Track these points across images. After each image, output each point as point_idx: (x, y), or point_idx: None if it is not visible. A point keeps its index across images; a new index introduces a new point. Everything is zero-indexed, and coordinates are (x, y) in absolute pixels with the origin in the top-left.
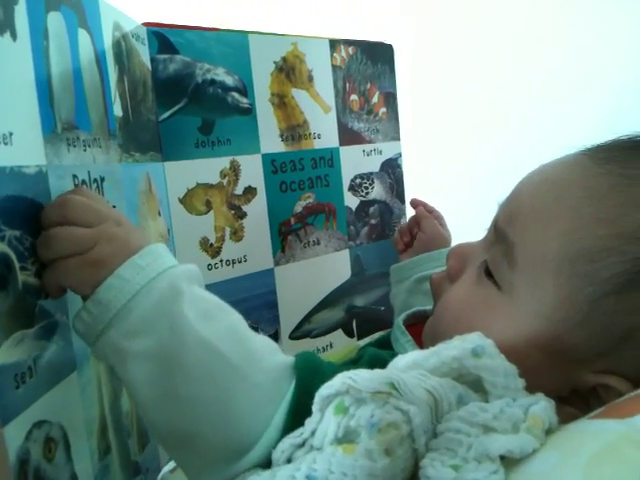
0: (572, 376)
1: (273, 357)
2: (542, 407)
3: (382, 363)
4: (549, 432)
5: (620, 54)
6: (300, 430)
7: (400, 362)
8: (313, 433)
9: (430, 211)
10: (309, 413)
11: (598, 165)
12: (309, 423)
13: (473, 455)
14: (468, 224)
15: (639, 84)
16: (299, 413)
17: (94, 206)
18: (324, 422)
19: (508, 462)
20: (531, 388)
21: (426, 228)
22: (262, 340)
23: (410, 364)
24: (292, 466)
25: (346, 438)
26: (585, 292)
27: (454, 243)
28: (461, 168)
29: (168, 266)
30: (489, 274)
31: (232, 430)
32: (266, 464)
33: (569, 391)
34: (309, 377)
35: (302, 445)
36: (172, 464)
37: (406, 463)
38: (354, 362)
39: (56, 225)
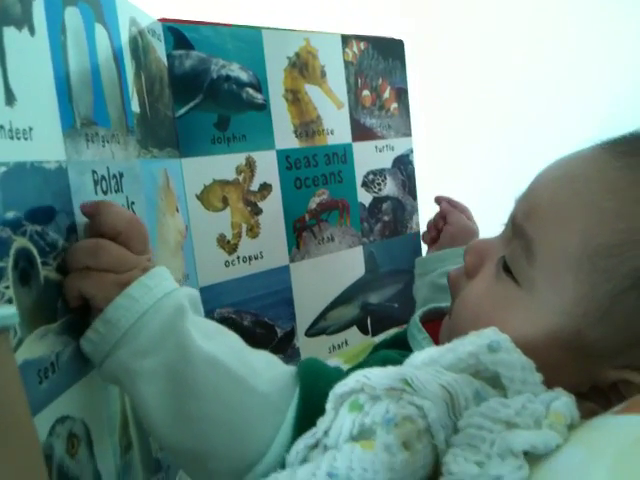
0: (592, 372)
1: (276, 368)
2: (564, 403)
3: (393, 363)
4: (571, 428)
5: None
6: (313, 430)
7: (416, 359)
8: (326, 432)
9: (455, 205)
10: (316, 417)
11: (616, 159)
12: (322, 422)
13: (496, 451)
14: (481, 219)
15: None
16: (306, 417)
17: (146, 238)
18: (338, 420)
19: (532, 458)
20: (551, 384)
21: (452, 221)
22: (263, 354)
23: (426, 361)
24: (312, 465)
25: (361, 436)
26: (605, 287)
27: None
28: (472, 164)
29: (173, 288)
30: (507, 270)
31: (243, 443)
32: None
33: (589, 387)
34: (313, 381)
35: (316, 446)
36: None
37: (426, 459)
38: (363, 365)
39: (108, 238)
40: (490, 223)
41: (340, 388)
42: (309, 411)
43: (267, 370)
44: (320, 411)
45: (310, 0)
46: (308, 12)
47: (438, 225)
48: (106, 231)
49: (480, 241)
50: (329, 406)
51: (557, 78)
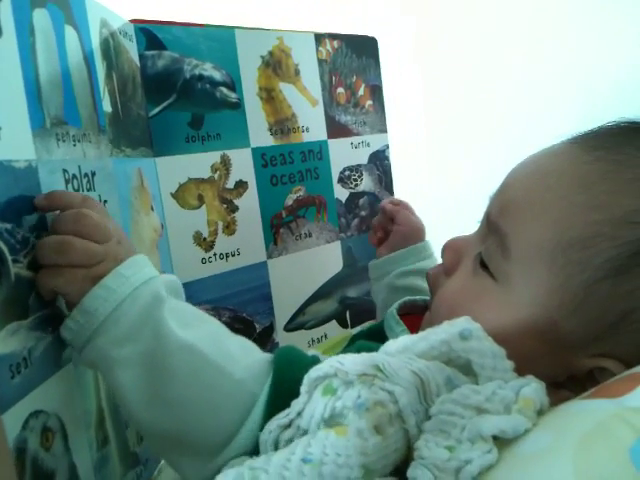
0: (568, 362)
1: (253, 355)
2: (533, 389)
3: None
4: (540, 413)
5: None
6: (287, 411)
7: (391, 347)
8: (299, 414)
9: (397, 204)
10: (287, 400)
11: (587, 153)
12: (296, 404)
13: (467, 436)
14: (455, 214)
15: None
16: (277, 401)
17: (106, 224)
18: (311, 403)
19: (501, 442)
20: (528, 374)
21: (401, 221)
22: (242, 341)
23: (400, 348)
24: (287, 450)
25: (333, 419)
26: (579, 279)
27: (444, 233)
28: (449, 160)
29: (151, 276)
30: (484, 266)
31: (216, 425)
32: (249, 451)
33: (566, 377)
34: (286, 367)
35: (289, 426)
36: None
37: (398, 444)
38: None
39: (70, 234)
40: (463, 217)
41: (314, 372)
42: (280, 395)
43: (244, 357)
44: (291, 396)
45: (295, 6)
46: (288, 12)
47: (385, 227)
48: (64, 231)
49: (457, 239)
50: (303, 389)
51: (546, 84)
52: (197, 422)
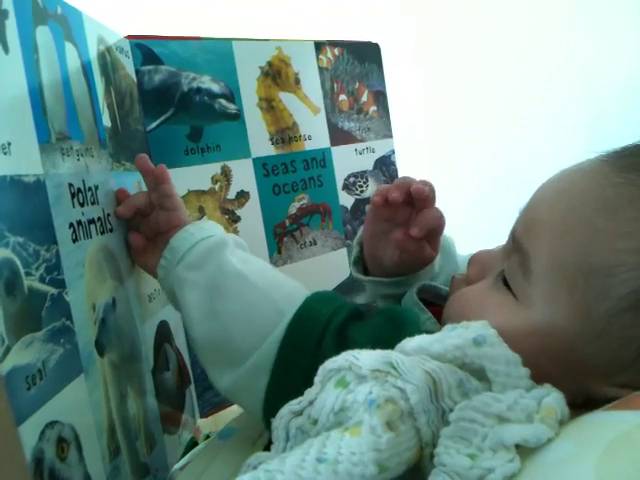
0: (586, 387)
1: (298, 289)
2: (554, 398)
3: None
4: (562, 423)
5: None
6: (299, 399)
7: (407, 345)
8: (311, 403)
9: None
10: (306, 326)
11: (617, 174)
12: (308, 393)
13: (489, 444)
14: (464, 220)
15: None
16: (298, 323)
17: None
18: (323, 393)
19: (523, 451)
20: None
21: (437, 245)
22: (290, 280)
23: (416, 348)
24: (301, 451)
25: (342, 412)
26: (601, 307)
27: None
28: (449, 163)
29: (222, 234)
30: (507, 284)
31: (250, 334)
32: (266, 367)
33: (583, 399)
34: (317, 299)
35: (300, 414)
36: (182, 462)
37: (410, 442)
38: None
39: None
40: (471, 223)
41: (329, 364)
42: (302, 318)
43: (286, 286)
44: (311, 324)
45: (296, 8)
46: (287, 16)
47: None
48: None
49: (483, 253)
50: (317, 379)
51: (547, 86)
52: (236, 330)
